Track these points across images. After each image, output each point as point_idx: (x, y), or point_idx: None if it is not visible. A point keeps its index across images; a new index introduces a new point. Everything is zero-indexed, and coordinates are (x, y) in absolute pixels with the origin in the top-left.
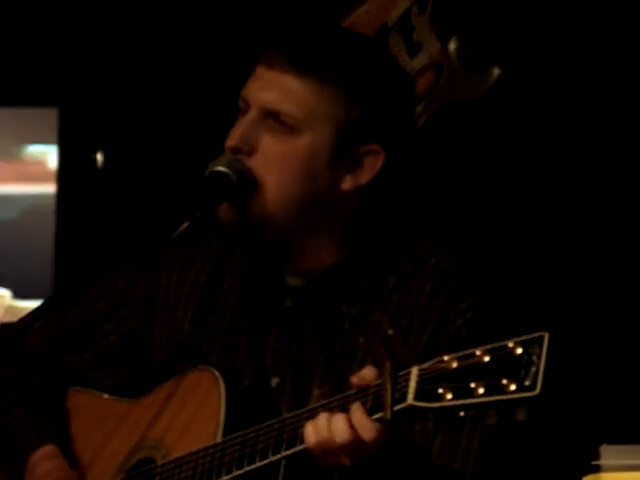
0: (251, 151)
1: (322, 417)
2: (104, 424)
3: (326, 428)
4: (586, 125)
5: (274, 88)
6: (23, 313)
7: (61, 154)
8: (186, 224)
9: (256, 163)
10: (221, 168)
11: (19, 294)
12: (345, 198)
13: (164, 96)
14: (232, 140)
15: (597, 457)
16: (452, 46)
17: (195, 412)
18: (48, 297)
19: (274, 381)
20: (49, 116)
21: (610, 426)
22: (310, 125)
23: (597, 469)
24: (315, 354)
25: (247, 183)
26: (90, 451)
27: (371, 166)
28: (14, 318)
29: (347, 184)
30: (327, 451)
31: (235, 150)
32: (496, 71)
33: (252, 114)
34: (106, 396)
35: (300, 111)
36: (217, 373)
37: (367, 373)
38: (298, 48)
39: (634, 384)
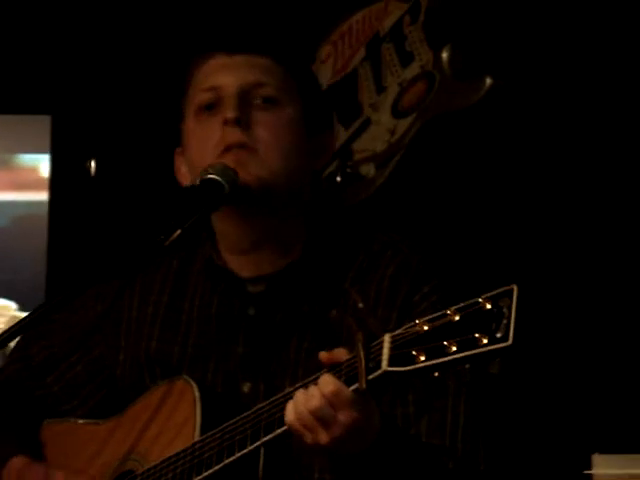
0: (248, 125)
1: (299, 393)
2: (85, 449)
3: (302, 401)
4: (577, 133)
5: (247, 66)
6: None
7: (54, 162)
8: (178, 232)
9: (255, 134)
10: (213, 176)
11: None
12: (309, 176)
13: (157, 104)
14: (230, 113)
15: (589, 466)
16: (444, 55)
17: (172, 422)
18: (12, 325)
19: (246, 386)
20: (42, 124)
21: (602, 435)
22: (285, 98)
23: (589, 478)
24: (284, 355)
25: (239, 191)
26: (73, 474)
27: (328, 149)
28: None
29: (316, 163)
30: (306, 426)
31: (237, 121)
32: (488, 80)
33: (232, 96)
34: (82, 422)
35: (276, 82)
36: (190, 380)
37: (339, 351)
38: (254, 36)
39: (626, 394)
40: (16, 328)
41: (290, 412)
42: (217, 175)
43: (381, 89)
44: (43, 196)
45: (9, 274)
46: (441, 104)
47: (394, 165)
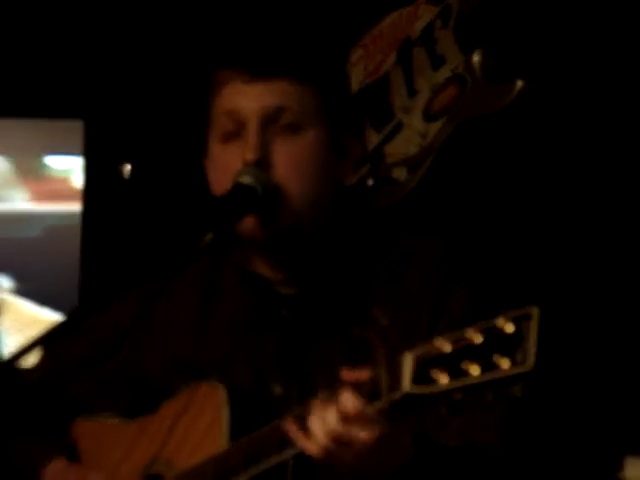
0: (268, 163)
1: (314, 418)
2: (115, 448)
3: (319, 427)
4: (611, 136)
5: (268, 92)
6: None
7: (87, 166)
8: (211, 235)
9: (277, 173)
10: (246, 180)
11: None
12: (335, 188)
13: (192, 107)
14: (250, 153)
15: (621, 468)
16: (476, 59)
17: (200, 426)
18: (46, 328)
19: (277, 390)
20: (75, 128)
21: (635, 438)
22: (308, 121)
23: None
24: (317, 356)
25: (272, 194)
26: (104, 474)
27: (354, 153)
28: None
29: (340, 173)
30: (327, 450)
31: (257, 163)
32: (520, 84)
33: (253, 126)
34: (112, 421)
35: (298, 107)
36: (219, 384)
37: (362, 368)
38: (275, 56)
39: None
40: (51, 331)
41: (310, 442)
42: (249, 179)
43: (413, 92)
44: (75, 207)
45: (42, 284)
46: (472, 107)
47: (426, 168)
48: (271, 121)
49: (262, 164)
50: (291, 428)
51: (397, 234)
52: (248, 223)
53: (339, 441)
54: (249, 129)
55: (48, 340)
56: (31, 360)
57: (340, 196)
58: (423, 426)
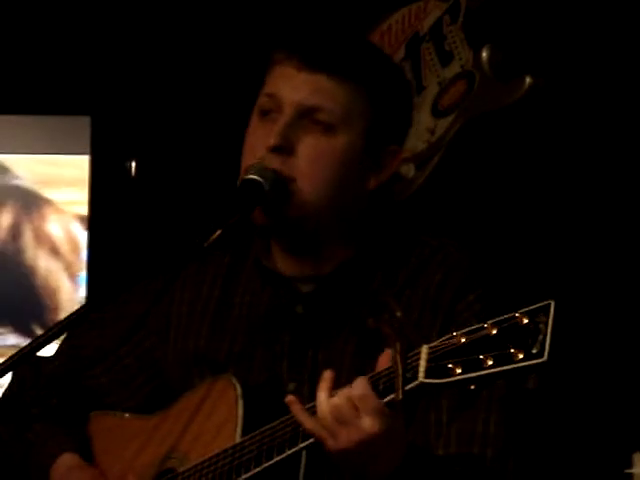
0: (291, 151)
1: (321, 394)
2: (130, 442)
3: (324, 401)
4: (621, 132)
5: (310, 87)
6: None
7: (93, 162)
8: (219, 232)
9: (297, 163)
10: (253, 176)
11: None
12: (363, 197)
13: (198, 103)
14: (273, 139)
15: (630, 465)
16: (484, 55)
17: (213, 421)
18: (62, 318)
19: (291, 386)
20: (81, 125)
21: None
22: (344, 124)
23: (630, 477)
24: (331, 357)
25: (279, 189)
26: (118, 469)
27: (390, 166)
28: None
29: (371, 183)
30: (326, 427)
31: (276, 149)
32: (528, 80)
33: (287, 114)
34: (128, 415)
35: (337, 109)
36: (234, 379)
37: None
38: (328, 50)
39: None
40: (58, 327)
41: (310, 418)
42: (256, 175)
43: (421, 88)
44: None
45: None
46: (481, 103)
47: (434, 165)
48: (306, 114)
49: (285, 149)
50: (293, 402)
51: (419, 238)
52: (256, 216)
53: (341, 420)
54: (282, 116)
55: (64, 330)
56: (49, 350)
57: (369, 201)
58: (423, 432)
